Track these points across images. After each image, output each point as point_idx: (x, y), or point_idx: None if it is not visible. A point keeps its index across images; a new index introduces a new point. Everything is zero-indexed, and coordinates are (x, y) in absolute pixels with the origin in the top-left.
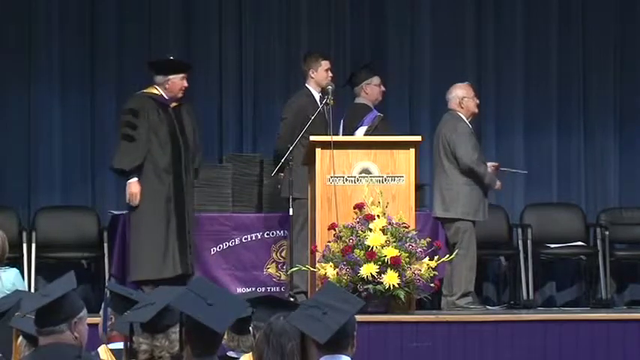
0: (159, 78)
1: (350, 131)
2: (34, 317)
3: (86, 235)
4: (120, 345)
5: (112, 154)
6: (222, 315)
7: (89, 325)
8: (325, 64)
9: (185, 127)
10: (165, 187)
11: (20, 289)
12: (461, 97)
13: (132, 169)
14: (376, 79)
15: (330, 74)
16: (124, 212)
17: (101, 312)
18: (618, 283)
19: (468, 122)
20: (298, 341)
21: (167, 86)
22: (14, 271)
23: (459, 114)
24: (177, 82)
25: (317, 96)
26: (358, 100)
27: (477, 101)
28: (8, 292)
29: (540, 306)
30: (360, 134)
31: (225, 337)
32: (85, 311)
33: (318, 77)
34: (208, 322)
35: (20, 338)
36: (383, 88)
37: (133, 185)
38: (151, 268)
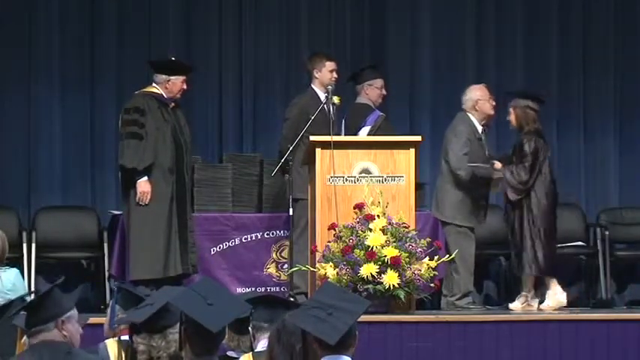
0: (160, 77)
1: (353, 131)
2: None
3: (86, 235)
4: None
5: (121, 152)
6: (220, 315)
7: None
8: (330, 64)
9: (182, 127)
10: (170, 186)
11: (20, 289)
12: (475, 99)
13: (144, 168)
14: (378, 82)
15: (335, 75)
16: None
17: (109, 308)
18: (618, 283)
19: (478, 125)
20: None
21: (167, 86)
22: (14, 271)
23: (470, 116)
24: (178, 83)
25: (322, 96)
26: (359, 100)
27: (493, 103)
28: (8, 292)
29: None
30: (363, 134)
31: (226, 336)
32: (74, 312)
33: (322, 77)
34: (203, 321)
35: (24, 337)
36: (384, 92)
37: (144, 184)
38: (152, 268)
